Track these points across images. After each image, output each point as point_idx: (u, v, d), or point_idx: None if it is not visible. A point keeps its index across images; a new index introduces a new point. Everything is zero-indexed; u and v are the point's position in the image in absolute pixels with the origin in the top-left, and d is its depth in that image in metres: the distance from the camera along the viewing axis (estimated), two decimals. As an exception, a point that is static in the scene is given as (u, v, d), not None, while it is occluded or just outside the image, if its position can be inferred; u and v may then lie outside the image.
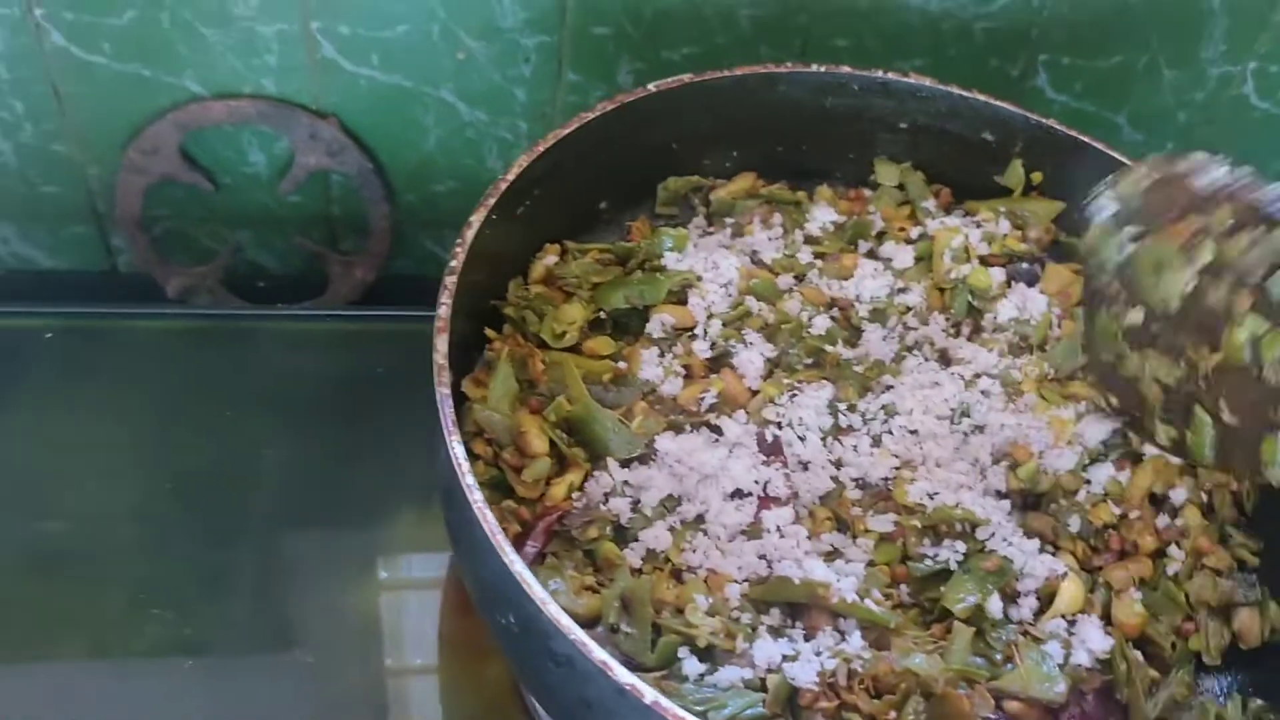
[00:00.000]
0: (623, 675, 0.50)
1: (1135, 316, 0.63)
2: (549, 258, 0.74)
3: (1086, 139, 0.77)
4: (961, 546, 0.64)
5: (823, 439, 0.68)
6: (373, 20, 0.85)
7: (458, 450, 0.56)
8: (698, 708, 0.55)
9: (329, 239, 0.99)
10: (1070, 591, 0.64)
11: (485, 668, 0.74)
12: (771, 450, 0.67)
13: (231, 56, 0.86)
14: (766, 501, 0.65)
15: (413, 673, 0.74)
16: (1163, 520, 0.68)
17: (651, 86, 0.74)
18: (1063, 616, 0.63)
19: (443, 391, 0.58)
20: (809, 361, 0.72)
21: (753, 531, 0.64)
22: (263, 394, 0.88)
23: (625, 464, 0.66)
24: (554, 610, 0.52)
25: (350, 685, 0.70)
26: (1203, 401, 0.60)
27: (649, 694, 0.49)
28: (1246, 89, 0.97)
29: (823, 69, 0.78)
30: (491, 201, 0.66)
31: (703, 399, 0.68)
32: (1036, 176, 0.80)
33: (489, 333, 0.70)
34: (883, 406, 0.70)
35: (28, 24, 0.82)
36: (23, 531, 0.75)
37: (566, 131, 0.71)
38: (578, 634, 0.51)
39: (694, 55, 0.90)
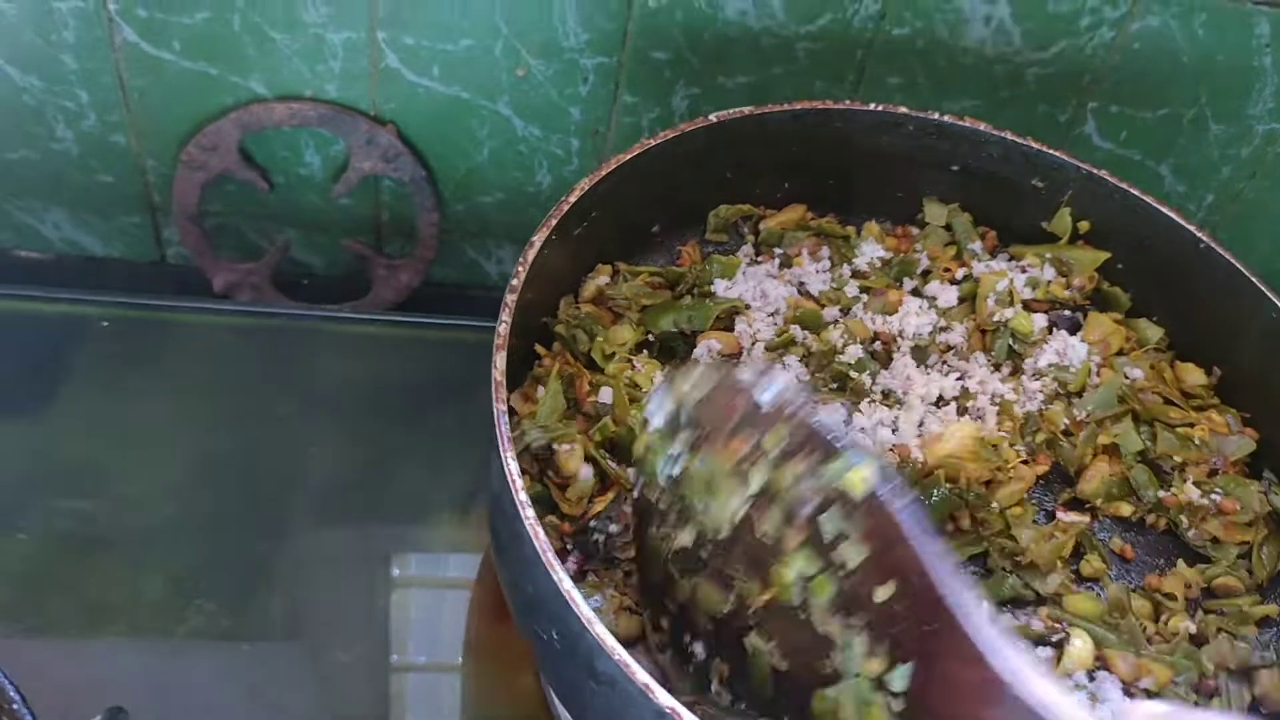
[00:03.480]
0: (664, 699, 0.51)
1: (686, 538, 0.56)
2: (601, 278, 0.75)
3: (1137, 192, 0.77)
4: None
5: None
6: (438, 34, 0.86)
7: (512, 467, 0.58)
8: None
9: (375, 243, 1.01)
10: (1079, 652, 0.64)
11: (513, 674, 0.75)
12: None
13: (297, 61, 0.88)
14: None
15: (441, 672, 0.75)
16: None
17: (713, 117, 0.75)
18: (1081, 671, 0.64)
19: (500, 408, 0.60)
20: (834, 386, 0.73)
21: None
22: (303, 392, 0.89)
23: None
24: (600, 630, 0.52)
25: (378, 684, 0.71)
26: (757, 637, 0.54)
27: (688, 718, 0.50)
28: (1291, 146, 0.98)
29: (880, 108, 0.79)
30: (554, 221, 0.68)
31: None
32: (1084, 225, 0.81)
33: (540, 349, 0.72)
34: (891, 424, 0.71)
35: (101, 18, 0.83)
36: (67, 516, 0.76)
37: (629, 156, 0.72)
38: (621, 654, 0.52)
39: (749, 84, 0.91)
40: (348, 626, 0.75)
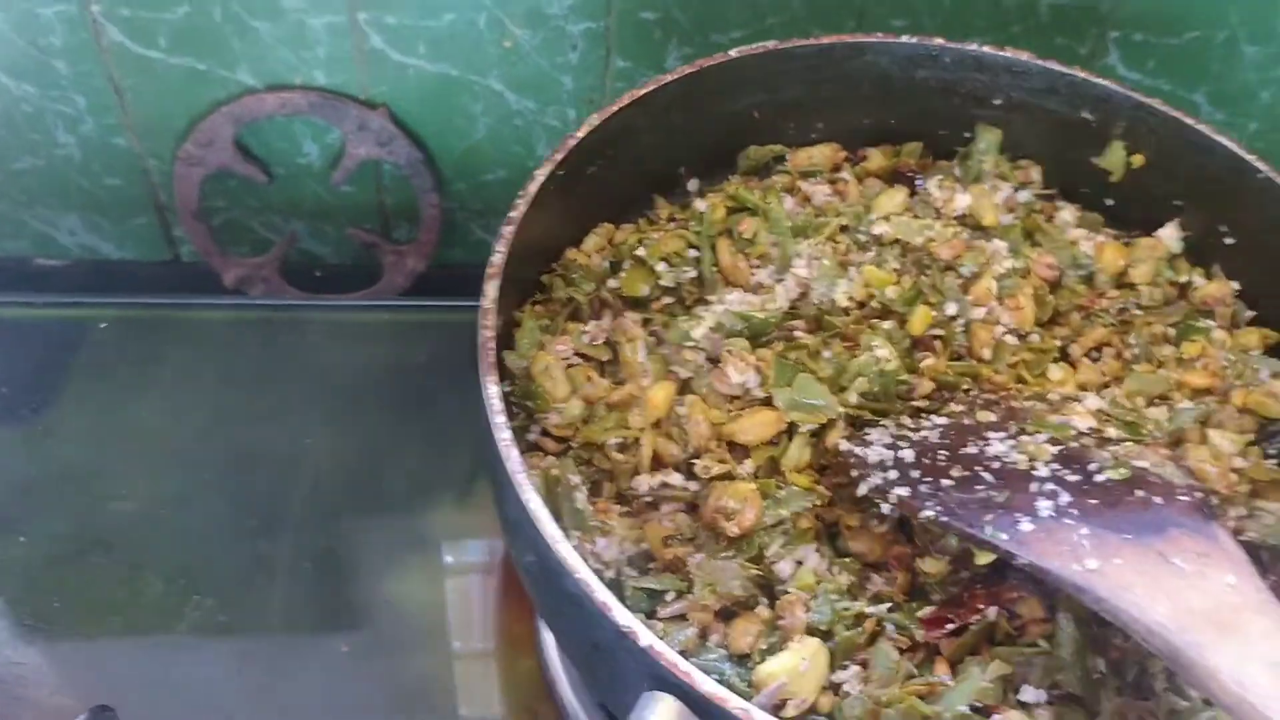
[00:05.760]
0: (622, 617, 0.49)
1: None
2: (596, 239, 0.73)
3: (1191, 121, 0.72)
4: None
5: None
6: (419, 10, 0.85)
7: (491, 389, 0.56)
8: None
9: (382, 229, 1.00)
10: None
11: (522, 659, 0.74)
12: None
13: (283, 49, 0.87)
14: None
15: (454, 659, 0.74)
16: None
17: (733, 52, 0.72)
18: None
19: (486, 334, 0.58)
20: None
21: None
22: (318, 383, 0.89)
23: None
24: (563, 549, 0.51)
25: (384, 673, 0.71)
26: None
27: (645, 637, 0.48)
28: (1336, 63, 0.91)
29: (914, 39, 0.75)
30: (559, 157, 0.65)
31: None
32: (1138, 160, 0.75)
33: (546, 279, 0.70)
34: None
35: (85, 20, 0.84)
36: (76, 516, 0.77)
37: (643, 92, 0.69)
38: (584, 573, 0.50)
39: (745, 39, 0.88)
40: (368, 617, 0.74)
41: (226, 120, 0.90)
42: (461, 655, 0.74)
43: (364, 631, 0.73)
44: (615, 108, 0.68)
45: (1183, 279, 0.73)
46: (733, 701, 0.47)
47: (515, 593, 0.76)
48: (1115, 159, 0.75)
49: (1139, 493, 0.56)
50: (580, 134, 0.67)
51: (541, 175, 0.65)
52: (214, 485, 0.79)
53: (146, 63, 0.87)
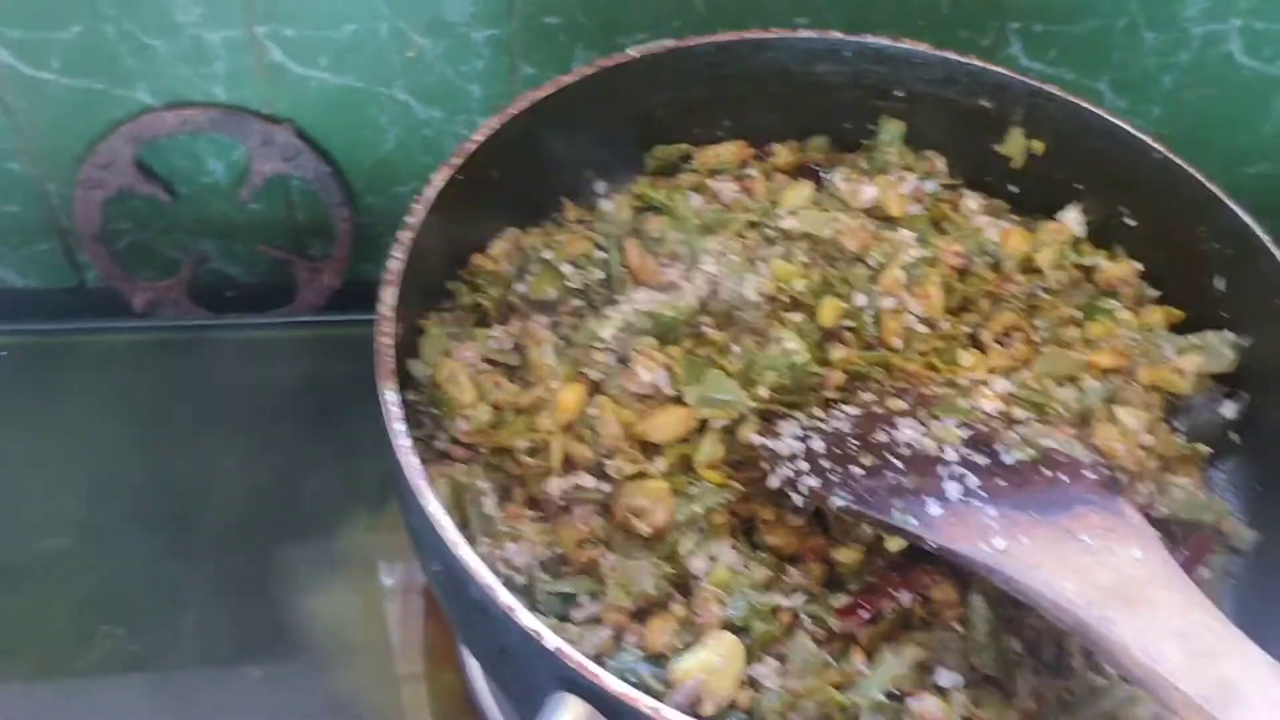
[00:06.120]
0: (527, 620, 0.48)
1: None
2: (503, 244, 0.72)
3: (1089, 105, 0.73)
4: None
5: None
6: (318, 21, 0.84)
7: (390, 396, 0.55)
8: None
9: (295, 245, 0.98)
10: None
11: (444, 674, 0.72)
12: None
13: (180, 65, 0.85)
14: None
15: (376, 677, 0.73)
16: None
17: (633, 52, 0.72)
18: None
19: (384, 341, 0.57)
20: None
21: None
22: (232, 404, 0.87)
23: None
24: (465, 554, 0.50)
25: (299, 698, 0.69)
26: None
27: (551, 640, 0.48)
28: (1232, 47, 0.93)
29: (813, 34, 0.75)
30: (457, 162, 0.65)
31: None
32: (1037, 146, 0.76)
33: (451, 286, 0.69)
34: None
35: (-28, 42, 0.81)
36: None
37: (540, 95, 0.69)
38: (487, 578, 0.49)
39: (650, 40, 0.87)
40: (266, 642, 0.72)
41: (126, 140, 0.88)
42: (384, 673, 0.72)
43: (281, 656, 0.71)
44: (513, 111, 0.68)
45: (1087, 261, 0.73)
46: (643, 701, 0.46)
47: (436, 607, 0.75)
48: (1016, 146, 0.76)
49: (1046, 472, 0.57)
50: (478, 138, 0.66)
51: (439, 180, 0.64)
52: (123, 513, 0.77)
53: (39, 85, 0.85)
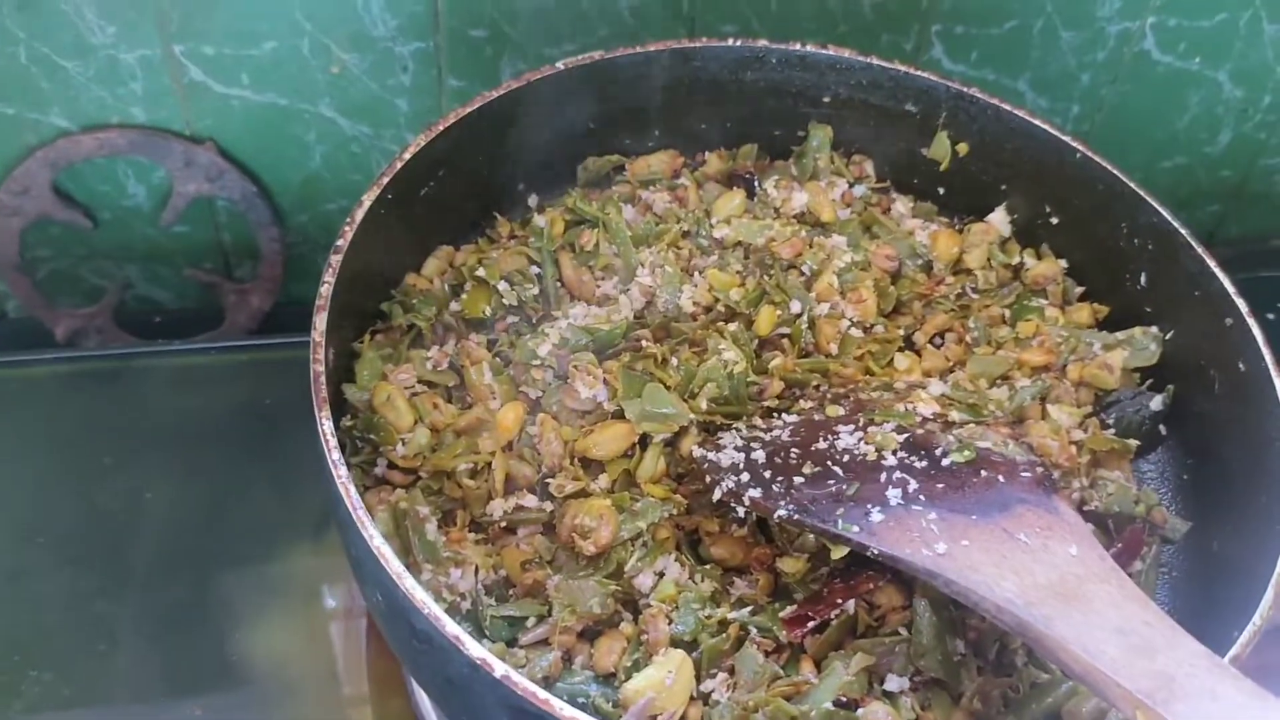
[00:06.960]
0: (474, 650, 0.48)
1: None
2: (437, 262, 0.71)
3: (1009, 107, 0.74)
4: None
5: None
6: (237, 39, 0.82)
7: (326, 426, 0.54)
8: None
9: (223, 268, 0.96)
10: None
11: (392, 700, 0.71)
12: None
13: (96, 87, 0.83)
14: None
15: (320, 707, 0.71)
16: None
17: (560, 65, 0.71)
18: None
19: (317, 368, 0.56)
20: None
21: None
22: (161, 433, 0.85)
23: None
24: (409, 585, 0.49)
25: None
26: None
27: (499, 668, 0.47)
28: (1147, 44, 0.95)
29: (738, 43, 0.75)
30: (385, 181, 0.64)
31: None
32: (962, 148, 0.77)
33: (385, 307, 0.68)
34: None
35: (-126, 69, 0.79)
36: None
37: (467, 111, 0.68)
38: (432, 608, 0.49)
39: (577, 51, 0.86)
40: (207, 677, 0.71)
41: (42, 165, 0.85)
42: (330, 702, 0.71)
43: (223, 689, 0.70)
44: (440, 128, 0.67)
45: (1014, 261, 0.75)
46: (593, 725, 0.46)
47: (379, 632, 0.74)
48: (941, 149, 0.77)
49: (984, 473, 0.57)
50: (405, 156, 0.65)
51: (368, 201, 0.63)
52: (51, 551, 0.75)
53: (-52, 110, 0.82)
